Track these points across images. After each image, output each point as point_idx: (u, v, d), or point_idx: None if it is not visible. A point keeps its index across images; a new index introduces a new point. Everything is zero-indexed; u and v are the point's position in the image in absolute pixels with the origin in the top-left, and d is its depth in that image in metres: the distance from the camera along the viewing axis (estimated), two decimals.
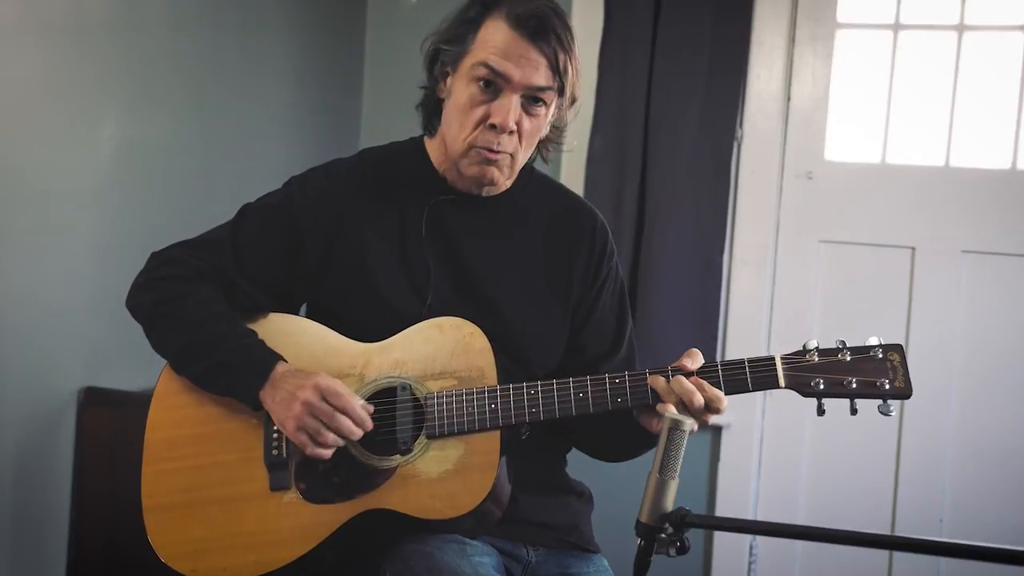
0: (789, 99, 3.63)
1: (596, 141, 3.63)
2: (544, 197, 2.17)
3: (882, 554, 3.54)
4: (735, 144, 3.61)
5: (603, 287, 2.16)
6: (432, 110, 2.11)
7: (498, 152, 2.01)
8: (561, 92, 2.02)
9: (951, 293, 3.52)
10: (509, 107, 1.98)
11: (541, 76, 1.98)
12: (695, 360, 1.94)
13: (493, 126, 1.99)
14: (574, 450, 2.23)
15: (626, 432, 2.05)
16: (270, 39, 3.57)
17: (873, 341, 1.92)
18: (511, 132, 2.00)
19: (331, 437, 1.94)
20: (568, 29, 2.02)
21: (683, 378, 1.91)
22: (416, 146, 2.14)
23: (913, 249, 3.56)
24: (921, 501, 3.54)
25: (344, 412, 1.94)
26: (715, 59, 3.55)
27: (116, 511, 2.88)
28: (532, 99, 2.00)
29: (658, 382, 1.93)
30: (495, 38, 1.98)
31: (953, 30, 3.53)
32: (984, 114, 3.52)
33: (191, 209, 3.21)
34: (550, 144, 2.12)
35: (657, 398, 1.93)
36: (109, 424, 2.94)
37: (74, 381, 2.96)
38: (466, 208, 2.11)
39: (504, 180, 2.08)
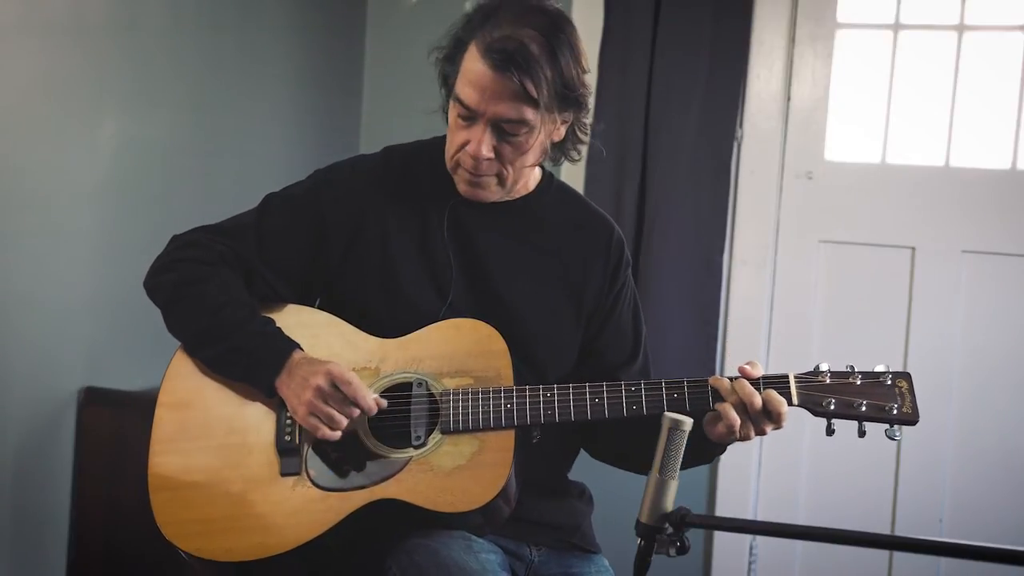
0: (789, 99, 3.63)
1: (596, 141, 3.62)
2: (562, 206, 2.18)
3: (882, 554, 3.54)
4: (735, 144, 3.60)
5: (619, 296, 2.17)
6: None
7: (480, 175, 2.04)
8: (550, 109, 1.99)
9: (951, 293, 3.52)
10: (480, 138, 1.99)
11: (507, 108, 1.97)
12: (755, 368, 1.97)
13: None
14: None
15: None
16: (270, 39, 3.57)
17: (881, 368, 1.96)
18: (488, 158, 2.01)
19: (342, 420, 1.95)
20: (550, 52, 1.96)
21: (746, 381, 1.94)
22: (439, 145, 2.13)
23: (913, 249, 3.56)
24: (921, 501, 3.53)
25: (354, 399, 1.95)
26: (715, 59, 3.55)
27: (116, 511, 2.88)
28: (501, 130, 1.99)
29: (721, 383, 1.96)
30: (469, 68, 1.98)
31: (953, 30, 3.52)
32: (984, 114, 3.52)
33: (191, 209, 3.21)
34: (568, 149, 2.13)
35: (719, 397, 1.95)
36: (109, 424, 2.93)
37: (74, 381, 2.96)
38: (485, 210, 2.12)
39: (497, 193, 2.08)
